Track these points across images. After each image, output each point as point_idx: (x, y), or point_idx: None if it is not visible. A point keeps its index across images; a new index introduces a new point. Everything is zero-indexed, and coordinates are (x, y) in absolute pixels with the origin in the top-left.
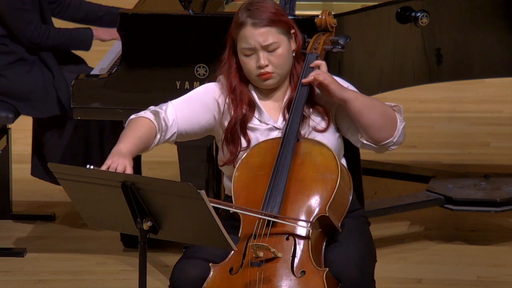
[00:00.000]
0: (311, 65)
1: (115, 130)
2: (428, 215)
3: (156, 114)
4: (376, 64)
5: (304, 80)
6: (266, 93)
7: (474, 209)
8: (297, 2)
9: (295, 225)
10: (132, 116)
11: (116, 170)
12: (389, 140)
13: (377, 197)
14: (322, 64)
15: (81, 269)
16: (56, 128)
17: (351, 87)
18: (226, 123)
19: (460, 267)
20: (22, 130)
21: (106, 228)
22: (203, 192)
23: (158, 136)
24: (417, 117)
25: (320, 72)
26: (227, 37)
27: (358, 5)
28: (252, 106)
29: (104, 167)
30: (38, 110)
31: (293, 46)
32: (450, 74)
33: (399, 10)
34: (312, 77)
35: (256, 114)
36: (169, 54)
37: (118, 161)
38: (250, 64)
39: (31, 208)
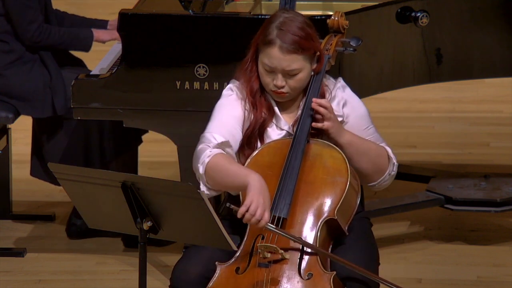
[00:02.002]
0: (314, 102)
1: (115, 130)
2: (428, 215)
3: (219, 146)
4: (376, 64)
5: (313, 106)
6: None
7: (474, 209)
8: (297, 2)
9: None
10: (207, 160)
11: (255, 216)
12: (371, 184)
13: (377, 197)
14: (328, 107)
15: (81, 269)
16: (56, 128)
17: (355, 99)
18: (246, 125)
19: (460, 267)
20: (22, 130)
21: (106, 228)
22: (203, 192)
23: None
24: (417, 117)
25: (322, 119)
26: (252, 41)
27: (358, 5)
28: (272, 111)
29: (243, 209)
30: (38, 110)
31: (314, 66)
32: (450, 74)
33: (399, 10)
34: (318, 113)
35: (274, 120)
36: (169, 54)
37: (259, 201)
38: (267, 78)
39: (31, 208)
